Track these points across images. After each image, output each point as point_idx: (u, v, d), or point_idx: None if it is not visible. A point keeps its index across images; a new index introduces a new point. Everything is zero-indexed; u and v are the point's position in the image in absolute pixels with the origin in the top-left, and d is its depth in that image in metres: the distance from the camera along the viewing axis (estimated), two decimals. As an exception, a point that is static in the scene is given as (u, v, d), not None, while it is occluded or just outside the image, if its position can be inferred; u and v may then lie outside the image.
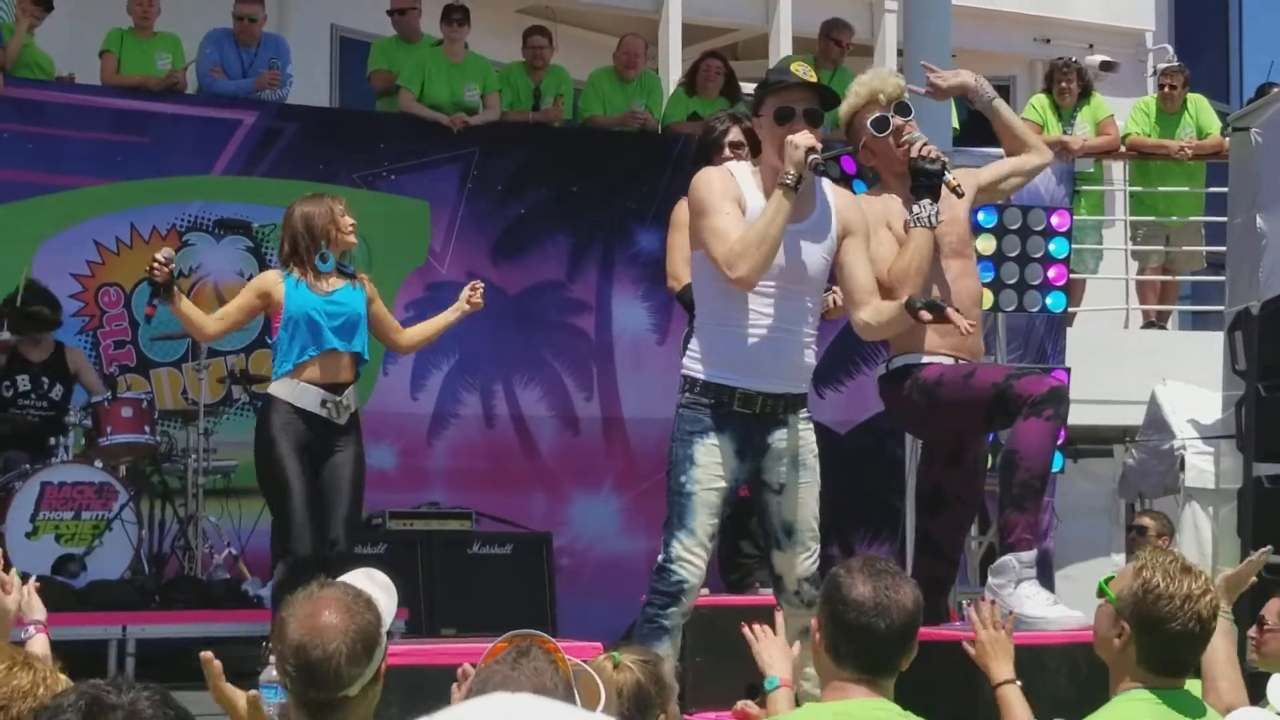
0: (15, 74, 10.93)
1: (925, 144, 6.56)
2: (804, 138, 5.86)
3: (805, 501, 6.04)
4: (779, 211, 5.79)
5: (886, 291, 6.34)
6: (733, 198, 5.92)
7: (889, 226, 6.57)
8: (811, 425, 6.12)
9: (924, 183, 6.49)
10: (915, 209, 6.49)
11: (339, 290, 7.67)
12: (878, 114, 6.67)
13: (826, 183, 6.15)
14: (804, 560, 6.01)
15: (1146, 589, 4.05)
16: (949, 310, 6.07)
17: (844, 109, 6.73)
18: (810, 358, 6.05)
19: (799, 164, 5.81)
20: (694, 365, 6.01)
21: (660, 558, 5.95)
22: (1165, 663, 4.09)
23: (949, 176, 6.48)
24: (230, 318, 7.75)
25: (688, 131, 11.37)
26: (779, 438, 6.00)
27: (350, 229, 7.72)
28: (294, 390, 7.56)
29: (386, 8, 12.36)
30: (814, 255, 5.98)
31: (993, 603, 5.01)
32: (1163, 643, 4.05)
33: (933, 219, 6.48)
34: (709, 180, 6.01)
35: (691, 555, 5.90)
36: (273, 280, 7.69)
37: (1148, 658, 4.08)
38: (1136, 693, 4.09)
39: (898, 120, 6.64)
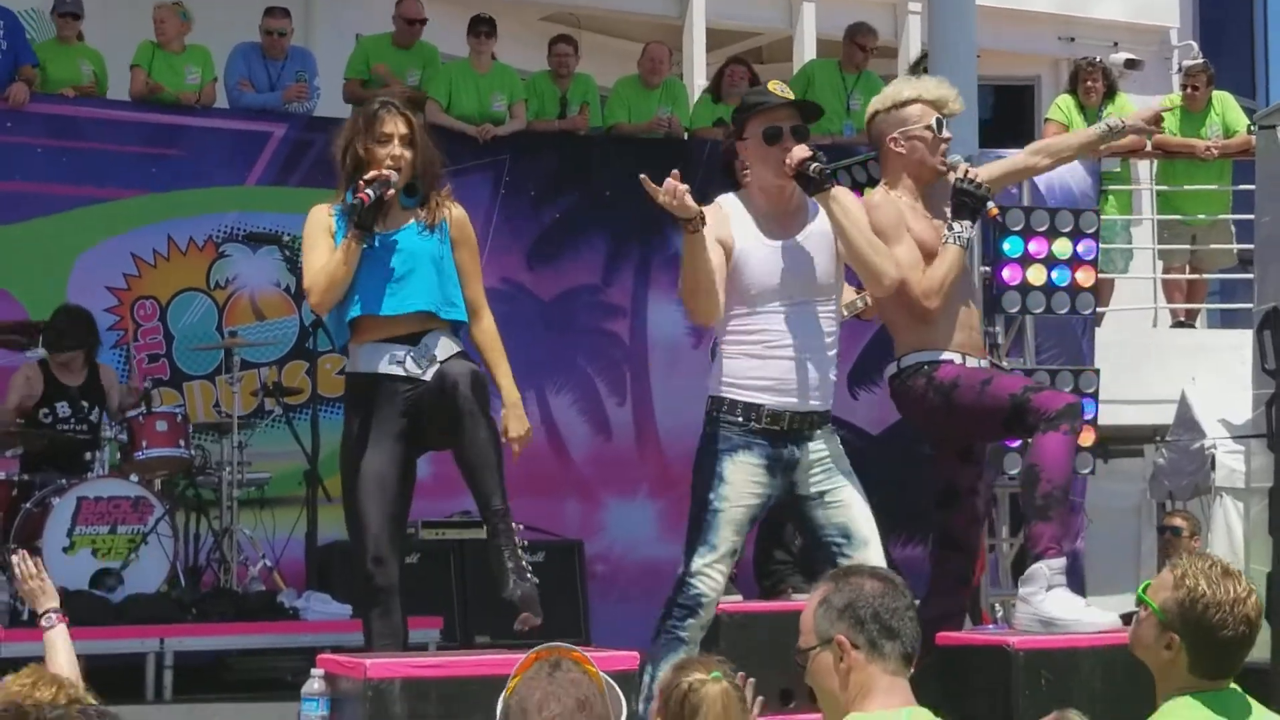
0: (55, 82, 11.12)
1: (969, 169, 6.63)
2: (800, 150, 5.95)
3: (851, 501, 6.06)
4: (694, 253, 5.82)
5: (907, 298, 6.43)
6: (715, 238, 5.95)
7: (909, 229, 6.61)
8: (837, 437, 6.17)
9: (968, 204, 6.54)
10: (956, 228, 6.52)
11: (400, 231, 6.18)
12: (938, 117, 6.68)
13: None
14: (873, 559, 5.94)
15: (1193, 598, 4.01)
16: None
17: (909, 92, 6.70)
18: (833, 374, 6.11)
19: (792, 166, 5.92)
20: (720, 385, 6.07)
21: (680, 570, 6.02)
22: (1216, 668, 4.08)
23: (991, 204, 6.58)
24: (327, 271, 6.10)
25: (714, 137, 11.40)
26: (808, 450, 6.06)
27: (387, 165, 6.10)
28: (358, 357, 6.18)
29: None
30: (822, 262, 6.05)
31: None
32: (1215, 650, 4.03)
33: (969, 240, 6.57)
34: None
35: (712, 570, 5.97)
36: (324, 216, 6.20)
37: (1199, 665, 4.04)
38: (1183, 699, 4.06)
39: (947, 134, 6.68)
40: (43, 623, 5.51)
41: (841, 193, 6.07)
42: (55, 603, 5.58)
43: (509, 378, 6.39)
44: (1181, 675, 4.07)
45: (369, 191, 6.03)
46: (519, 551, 6.02)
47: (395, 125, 6.19)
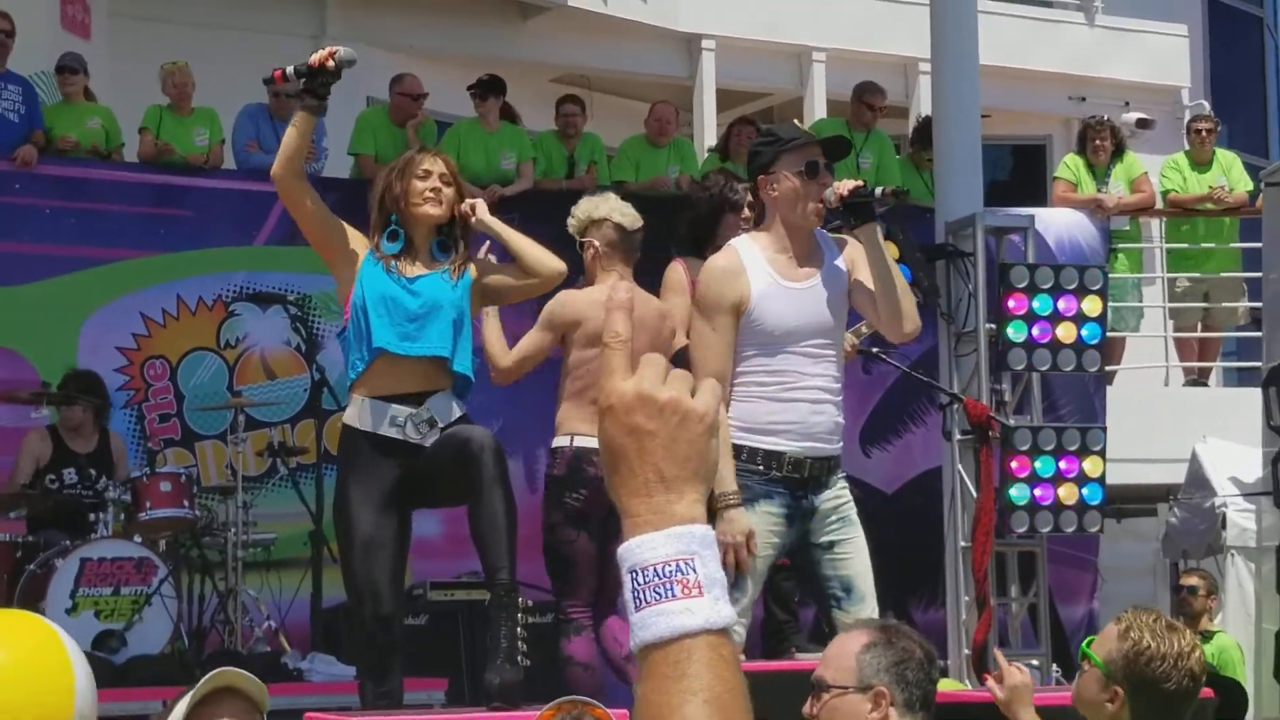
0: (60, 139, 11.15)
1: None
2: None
3: (858, 555, 6.06)
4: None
5: None
6: (730, 305, 5.94)
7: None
8: (848, 486, 6.13)
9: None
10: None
11: (423, 278, 6.20)
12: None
13: (821, 231, 6.22)
14: (867, 614, 5.92)
15: (1137, 651, 4.04)
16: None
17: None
18: (842, 416, 6.09)
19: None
20: (740, 433, 6.02)
21: None
22: None
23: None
24: (318, 210, 6.20)
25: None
26: (824, 499, 6.05)
27: (426, 196, 6.16)
28: (360, 411, 6.16)
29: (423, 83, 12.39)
30: (835, 306, 6.05)
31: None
32: (1158, 703, 4.04)
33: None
34: (712, 276, 6.05)
35: (738, 624, 5.91)
36: (362, 240, 6.25)
37: (1142, 718, 4.06)
38: None
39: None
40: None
41: None
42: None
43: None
44: None
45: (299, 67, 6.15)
46: (516, 630, 6.01)
47: (435, 164, 6.26)
